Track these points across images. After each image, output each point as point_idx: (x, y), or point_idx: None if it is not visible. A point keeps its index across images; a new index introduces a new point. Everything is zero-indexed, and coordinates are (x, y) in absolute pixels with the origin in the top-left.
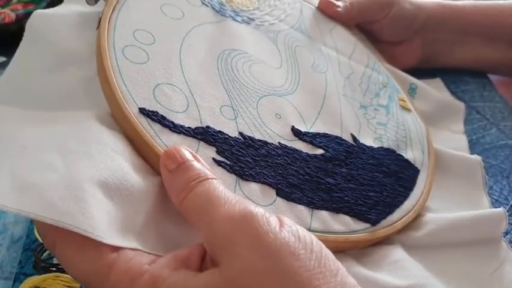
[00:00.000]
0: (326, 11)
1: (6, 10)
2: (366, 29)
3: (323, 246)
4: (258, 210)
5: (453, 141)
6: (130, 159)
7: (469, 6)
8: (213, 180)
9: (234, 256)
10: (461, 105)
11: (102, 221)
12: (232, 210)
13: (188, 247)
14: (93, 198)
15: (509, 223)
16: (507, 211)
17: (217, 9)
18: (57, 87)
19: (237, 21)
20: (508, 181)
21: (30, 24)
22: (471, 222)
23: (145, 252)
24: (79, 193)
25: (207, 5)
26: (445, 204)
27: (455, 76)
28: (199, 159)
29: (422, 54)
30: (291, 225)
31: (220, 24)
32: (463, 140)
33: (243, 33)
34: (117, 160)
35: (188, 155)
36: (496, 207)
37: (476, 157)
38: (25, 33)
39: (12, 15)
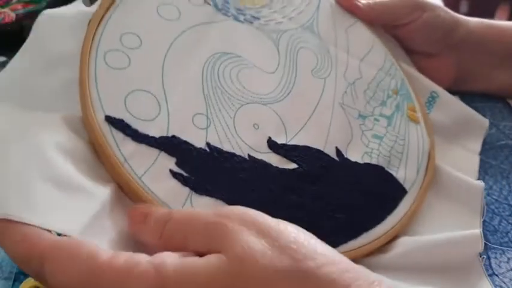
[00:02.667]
0: (343, 4)
1: (6, 10)
2: (390, 33)
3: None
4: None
5: (463, 161)
6: (84, 165)
7: (511, 27)
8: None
9: (236, 241)
10: (484, 122)
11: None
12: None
13: None
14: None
15: (510, 223)
16: (507, 212)
17: (219, 7)
18: (44, 88)
19: (239, 20)
20: (508, 181)
21: (35, 23)
22: (445, 243)
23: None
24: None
25: (209, 3)
26: (433, 228)
27: None
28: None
29: (456, 74)
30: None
31: (217, 24)
32: (474, 160)
33: (240, 35)
34: (59, 162)
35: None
36: (496, 207)
37: (479, 183)
38: (31, 32)
39: (12, 15)
